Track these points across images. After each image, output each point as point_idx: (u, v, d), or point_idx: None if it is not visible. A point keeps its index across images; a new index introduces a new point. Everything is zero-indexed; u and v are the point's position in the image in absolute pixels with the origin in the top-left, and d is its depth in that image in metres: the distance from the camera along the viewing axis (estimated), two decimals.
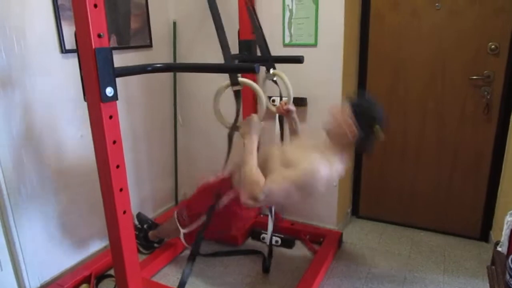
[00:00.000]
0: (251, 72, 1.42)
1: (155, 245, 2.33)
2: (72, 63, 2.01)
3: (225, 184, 1.85)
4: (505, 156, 2.27)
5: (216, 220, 1.81)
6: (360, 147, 1.62)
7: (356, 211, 2.84)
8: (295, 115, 1.96)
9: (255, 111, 2.50)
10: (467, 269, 2.21)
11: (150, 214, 2.65)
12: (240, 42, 2.30)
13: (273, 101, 2.36)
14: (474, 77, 2.24)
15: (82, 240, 2.23)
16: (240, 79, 1.51)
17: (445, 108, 2.37)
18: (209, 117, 2.77)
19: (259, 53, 2.36)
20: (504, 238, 1.60)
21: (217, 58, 2.12)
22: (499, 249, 1.64)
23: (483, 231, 2.47)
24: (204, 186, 1.99)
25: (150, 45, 2.52)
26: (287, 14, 2.30)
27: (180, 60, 2.73)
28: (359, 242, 2.51)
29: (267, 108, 1.77)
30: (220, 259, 2.32)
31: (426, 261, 2.29)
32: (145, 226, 2.35)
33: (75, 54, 1.28)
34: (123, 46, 2.32)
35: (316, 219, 2.57)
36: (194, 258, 1.80)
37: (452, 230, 2.55)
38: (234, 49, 1.93)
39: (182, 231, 1.95)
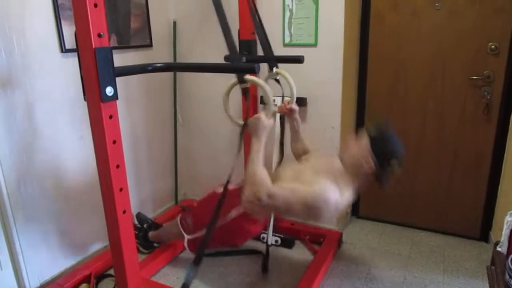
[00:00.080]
0: (251, 72, 1.42)
1: (155, 245, 2.33)
2: (72, 63, 2.01)
3: (234, 198, 1.85)
4: (505, 156, 2.27)
5: (221, 232, 1.81)
6: (376, 180, 1.61)
7: (356, 211, 2.84)
8: (297, 115, 1.96)
9: (256, 109, 2.50)
10: (467, 269, 2.21)
11: (150, 214, 2.66)
12: (240, 42, 2.30)
13: (273, 100, 2.36)
14: (474, 77, 2.24)
15: (82, 240, 2.23)
16: (247, 76, 1.51)
17: (445, 108, 2.37)
18: (209, 117, 2.79)
19: (260, 52, 2.37)
20: (503, 238, 1.60)
21: (217, 57, 2.13)
22: (498, 249, 1.64)
23: (483, 231, 2.47)
24: (212, 196, 1.98)
25: (150, 45, 2.52)
26: (287, 14, 2.30)
27: (180, 59, 2.73)
28: (359, 242, 2.51)
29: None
30: (220, 259, 2.32)
31: (426, 261, 2.29)
32: (145, 225, 2.35)
33: (75, 54, 1.28)
34: (123, 45, 2.32)
35: None
36: (198, 264, 1.73)
37: (452, 230, 2.55)
38: None
39: (186, 237, 1.94)
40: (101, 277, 2.13)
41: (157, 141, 2.74)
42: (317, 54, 2.28)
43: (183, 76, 2.78)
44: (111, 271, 2.14)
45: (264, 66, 2.19)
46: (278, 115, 2.37)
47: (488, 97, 2.24)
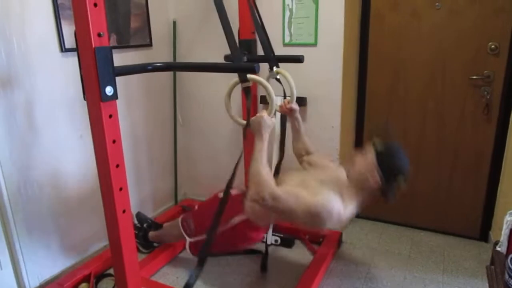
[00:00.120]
0: (251, 71, 1.42)
1: (155, 244, 2.33)
2: (72, 62, 2.01)
3: (237, 204, 1.85)
4: (504, 156, 2.27)
5: (223, 238, 1.81)
6: (381, 194, 1.61)
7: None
8: (298, 115, 1.95)
9: (256, 108, 2.50)
10: (467, 269, 2.21)
11: (150, 214, 2.66)
12: (240, 42, 2.30)
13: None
14: (474, 77, 2.24)
15: (82, 239, 2.23)
16: (249, 75, 1.51)
17: (445, 108, 2.37)
18: (209, 117, 2.79)
19: (260, 52, 2.37)
20: (503, 238, 1.60)
21: (217, 57, 2.13)
22: (498, 249, 1.64)
23: (483, 231, 2.47)
24: (215, 200, 1.98)
25: (150, 44, 2.52)
26: (287, 13, 2.30)
27: (180, 59, 2.73)
28: (359, 242, 2.51)
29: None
30: (219, 259, 2.32)
31: (425, 261, 2.29)
32: (144, 225, 2.35)
33: (75, 53, 1.28)
34: (123, 45, 2.32)
35: None
36: (201, 268, 1.69)
37: (452, 230, 2.55)
38: None
39: (188, 239, 1.94)
40: (100, 276, 2.13)
41: (157, 141, 2.74)
42: (317, 54, 2.28)
43: (183, 76, 2.78)
44: (111, 271, 2.14)
45: (264, 66, 2.20)
46: (278, 115, 2.38)
47: (488, 97, 2.24)
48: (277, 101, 2.16)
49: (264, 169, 1.54)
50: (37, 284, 2.02)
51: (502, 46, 2.14)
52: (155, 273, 2.21)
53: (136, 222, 2.38)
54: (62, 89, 2.01)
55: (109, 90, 1.26)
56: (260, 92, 2.49)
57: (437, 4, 2.23)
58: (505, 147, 2.26)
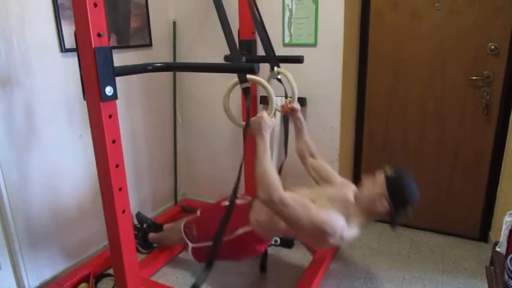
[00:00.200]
0: (250, 72, 1.42)
1: (154, 245, 2.33)
2: (72, 62, 2.01)
3: (242, 214, 1.85)
4: (504, 156, 2.27)
5: (227, 249, 1.81)
6: (389, 220, 1.62)
7: None
8: (300, 114, 1.95)
9: (256, 109, 2.50)
10: (466, 269, 2.21)
11: (150, 214, 2.65)
12: (240, 42, 2.30)
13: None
14: (474, 77, 2.24)
15: (81, 239, 2.23)
16: (248, 76, 1.51)
17: (445, 108, 2.37)
18: (209, 117, 2.79)
19: (259, 52, 2.37)
20: (502, 239, 1.60)
21: (217, 57, 2.13)
22: (498, 249, 1.65)
23: (482, 231, 2.47)
24: (218, 208, 1.98)
25: (150, 45, 2.52)
26: (287, 13, 2.30)
27: (180, 59, 2.73)
28: (359, 242, 2.51)
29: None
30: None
31: (425, 261, 2.29)
32: (144, 225, 2.35)
33: (75, 53, 1.28)
34: (123, 45, 2.32)
35: None
36: (210, 269, 1.66)
37: (452, 230, 2.55)
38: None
39: (190, 245, 1.94)
40: (100, 276, 2.13)
41: (156, 141, 2.74)
42: (317, 54, 2.28)
43: (183, 76, 2.78)
44: (111, 271, 2.14)
45: (264, 66, 2.20)
46: (278, 115, 2.38)
47: (488, 98, 2.24)
48: (278, 101, 2.17)
49: (271, 170, 1.53)
50: (37, 284, 2.02)
51: (502, 46, 2.15)
52: (155, 273, 2.21)
53: (136, 222, 2.38)
54: (62, 89, 2.01)
55: (109, 90, 1.26)
56: (260, 92, 2.49)
57: (437, 4, 2.23)
58: (505, 147, 2.26)
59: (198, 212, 2.13)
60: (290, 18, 2.30)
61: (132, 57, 2.39)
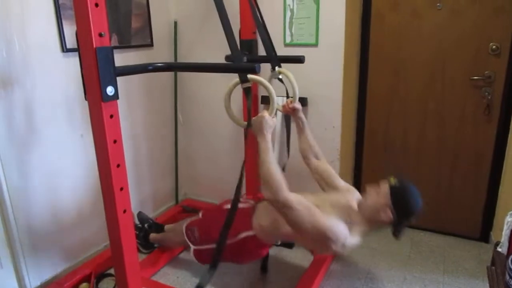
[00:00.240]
0: (251, 72, 1.42)
1: (155, 245, 2.33)
2: (73, 62, 2.01)
3: (245, 218, 1.85)
4: (505, 156, 2.27)
5: (229, 253, 1.82)
6: (392, 230, 1.63)
7: None
8: (301, 114, 1.95)
9: (257, 109, 2.51)
10: (467, 269, 2.21)
11: (150, 214, 2.66)
12: (241, 42, 2.30)
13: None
14: (475, 77, 2.24)
15: (83, 239, 2.23)
16: (250, 76, 1.51)
17: (445, 108, 2.37)
18: (210, 117, 2.79)
19: (260, 52, 2.37)
20: (504, 239, 1.60)
21: (218, 57, 2.13)
22: (499, 249, 1.64)
23: (483, 231, 2.47)
24: (220, 210, 1.98)
25: (151, 45, 2.53)
26: (288, 13, 2.30)
27: (181, 59, 2.74)
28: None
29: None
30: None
31: (426, 261, 2.29)
32: (145, 225, 2.35)
33: (76, 53, 1.28)
34: (124, 45, 2.32)
35: None
36: (215, 270, 1.67)
37: (452, 230, 2.55)
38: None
39: (192, 247, 1.94)
40: (101, 276, 2.13)
41: (157, 141, 2.74)
42: (318, 54, 2.28)
43: (184, 76, 2.79)
44: (112, 271, 2.14)
45: (265, 66, 2.20)
46: (279, 115, 2.38)
47: (489, 98, 2.24)
48: (279, 101, 2.17)
49: (275, 169, 1.53)
50: (38, 284, 2.03)
51: (503, 46, 2.14)
52: (156, 273, 2.21)
53: (137, 222, 2.39)
54: (63, 89, 2.01)
55: (110, 90, 1.26)
56: (261, 92, 2.49)
57: (438, 4, 2.23)
58: (506, 147, 2.26)
59: (200, 214, 2.13)
60: (291, 18, 2.30)
61: (133, 57, 2.39)
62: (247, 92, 1.55)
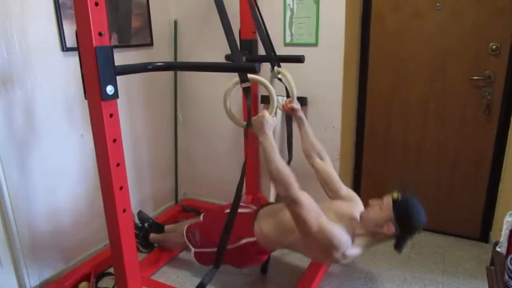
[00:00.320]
0: (251, 71, 1.42)
1: (155, 245, 2.33)
2: (73, 62, 2.01)
3: (247, 223, 1.85)
4: (505, 156, 2.27)
5: (230, 258, 1.83)
6: (394, 243, 1.62)
7: None
8: (301, 114, 1.95)
9: (257, 108, 2.51)
10: (467, 269, 2.21)
11: (150, 213, 2.66)
12: (241, 41, 2.30)
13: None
14: (475, 77, 2.24)
15: (82, 238, 2.23)
16: (250, 75, 1.51)
17: (445, 108, 2.37)
18: (209, 117, 2.79)
19: (260, 51, 2.37)
20: (503, 239, 1.60)
21: (218, 57, 2.14)
22: (498, 249, 1.64)
23: (483, 231, 2.47)
24: (221, 214, 1.98)
25: (151, 44, 2.53)
26: (288, 13, 2.30)
27: (181, 59, 2.74)
28: None
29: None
30: None
31: (425, 261, 2.29)
32: (146, 224, 2.35)
33: (76, 53, 1.28)
34: (124, 44, 2.32)
35: None
36: (217, 269, 1.71)
37: (452, 231, 2.55)
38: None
39: (193, 250, 1.94)
40: (101, 275, 2.14)
41: (157, 141, 2.74)
42: (318, 54, 2.28)
43: (184, 75, 2.79)
44: (111, 270, 2.14)
45: (264, 66, 2.20)
46: (278, 115, 2.38)
47: (489, 98, 2.24)
48: (279, 100, 2.17)
49: (283, 166, 1.53)
50: (37, 283, 2.03)
51: (503, 46, 2.14)
52: (155, 272, 2.21)
53: (137, 221, 2.39)
54: (63, 88, 2.01)
55: (110, 89, 1.26)
56: (261, 92, 2.49)
57: (438, 4, 2.22)
58: (506, 147, 2.26)
59: (201, 217, 2.14)
60: (291, 17, 2.30)
61: (133, 56, 2.39)
62: (246, 91, 1.55)
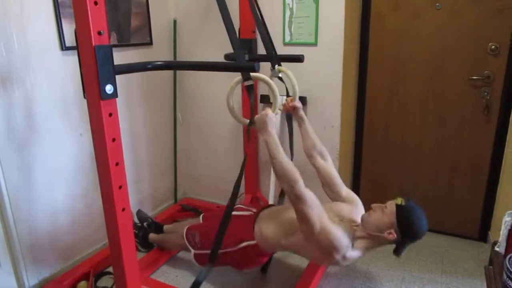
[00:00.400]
0: (251, 70, 1.42)
1: (154, 244, 2.33)
2: (72, 61, 2.01)
3: (247, 225, 1.85)
4: (504, 156, 2.27)
5: (230, 260, 1.83)
6: (394, 248, 1.63)
7: None
8: (302, 113, 1.95)
9: (257, 107, 2.50)
10: (465, 269, 2.21)
11: (150, 212, 2.65)
12: (240, 41, 2.29)
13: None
14: (474, 77, 2.24)
15: (81, 238, 2.23)
16: (252, 73, 1.51)
17: (444, 108, 2.37)
18: (209, 116, 2.79)
19: (260, 51, 2.37)
20: (501, 238, 1.60)
21: (218, 56, 2.13)
22: (496, 249, 1.64)
23: (482, 231, 2.47)
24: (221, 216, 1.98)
25: (150, 43, 2.52)
26: (288, 13, 2.30)
27: (180, 58, 2.73)
28: None
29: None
30: None
31: (424, 261, 2.30)
32: (145, 224, 2.35)
33: (75, 52, 1.28)
34: (123, 43, 2.32)
35: None
36: (213, 265, 1.70)
37: (451, 230, 2.55)
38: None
39: (193, 251, 1.94)
40: (100, 275, 2.14)
41: (156, 140, 2.74)
42: (317, 54, 2.28)
43: (183, 75, 2.79)
44: (110, 269, 2.14)
45: (264, 65, 2.20)
46: (279, 114, 2.38)
47: (488, 98, 2.24)
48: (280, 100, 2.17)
49: (288, 163, 1.53)
50: (36, 282, 2.03)
51: (502, 46, 2.14)
52: (154, 272, 2.21)
53: (136, 220, 2.39)
54: (62, 87, 2.01)
55: (109, 89, 1.26)
56: (261, 91, 2.49)
57: (437, 4, 2.23)
58: (505, 147, 2.26)
59: (201, 218, 2.13)
60: (290, 17, 2.30)
61: (132, 56, 2.39)
62: (249, 90, 1.55)
